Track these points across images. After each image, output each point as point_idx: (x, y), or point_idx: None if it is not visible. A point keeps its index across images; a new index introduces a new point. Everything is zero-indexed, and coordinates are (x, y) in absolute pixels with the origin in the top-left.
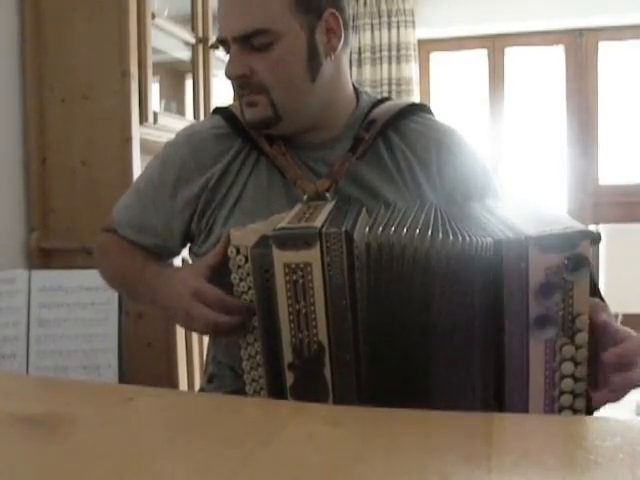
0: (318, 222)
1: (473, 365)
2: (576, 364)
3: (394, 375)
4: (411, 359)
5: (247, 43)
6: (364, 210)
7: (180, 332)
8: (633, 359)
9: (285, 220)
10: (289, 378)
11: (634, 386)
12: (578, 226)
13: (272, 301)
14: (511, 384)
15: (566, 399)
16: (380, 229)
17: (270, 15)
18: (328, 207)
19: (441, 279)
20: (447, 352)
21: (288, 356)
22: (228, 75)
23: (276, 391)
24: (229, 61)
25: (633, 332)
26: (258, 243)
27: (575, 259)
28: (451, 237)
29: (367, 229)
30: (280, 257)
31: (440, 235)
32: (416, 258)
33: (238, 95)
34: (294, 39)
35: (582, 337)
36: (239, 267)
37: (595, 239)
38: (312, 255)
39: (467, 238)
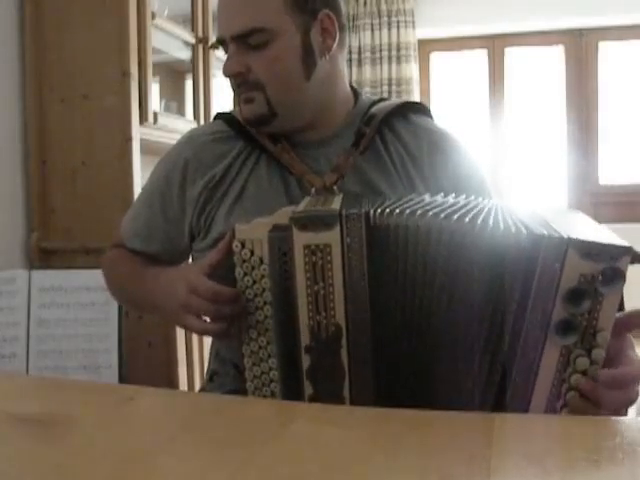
0: (335, 206)
1: (485, 358)
2: (585, 378)
3: (410, 359)
4: (426, 344)
5: (244, 42)
6: (372, 201)
7: (180, 332)
8: (627, 383)
9: (301, 206)
10: (305, 361)
11: (622, 405)
12: (621, 241)
13: (288, 285)
14: (516, 384)
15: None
16: (398, 211)
17: (266, 14)
18: (339, 197)
19: (463, 265)
20: (462, 340)
21: (305, 339)
22: (225, 73)
23: (290, 378)
24: (227, 59)
25: None
26: (273, 230)
27: (612, 272)
28: (480, 222)
29: (387, 211)
30: (300, 238)
31: (467, 220)
32: (440, 241)
33: (235, 93)
34: (289, 38)
35: (599, 353)
36: (244, 261)
37: (636, 257)
38: (332, 236)
39: (499, 225)
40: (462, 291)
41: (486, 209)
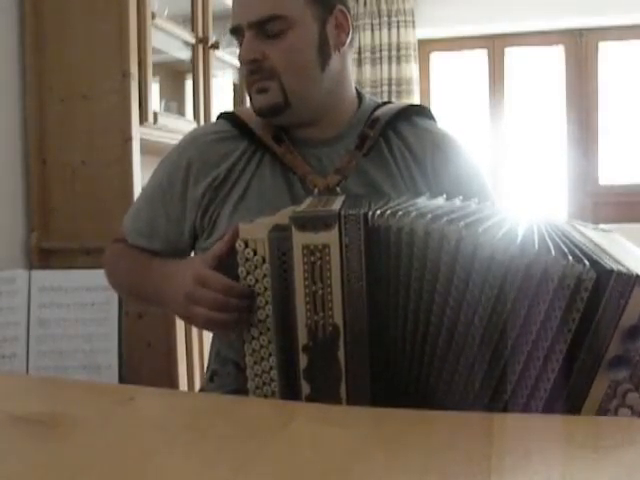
0: (335, 207)
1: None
2: (633, 413)
3: (408, 360)
4: (425, 347)
5: (261, 29)
6: (374, 202)
7: (180, 332)
8: None
9: (302, 206)
10: (303, 361)
11: None
12: None
13: (288, 284)
14: (561, 412)
15: None
16: (401, 213)
17: (286, 3)
18: (340, 198)
19: (491, 282)
20: (462, 345)
21: (303, 338)
22: (241, 60)
23: (288, 377)
24: (243, 46)
25: None
26: (274, 229)
27: None
28: (520, 242)
29: (388, 212)
30: (299, 238)
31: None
32: (458, 250)
33: (248, 82)
34: (307, 28)
35: None
36: (247, 260)
37: None
38: (330, 237)
39: (549, 249)
40: (478, 303)
41: (521, 225)
